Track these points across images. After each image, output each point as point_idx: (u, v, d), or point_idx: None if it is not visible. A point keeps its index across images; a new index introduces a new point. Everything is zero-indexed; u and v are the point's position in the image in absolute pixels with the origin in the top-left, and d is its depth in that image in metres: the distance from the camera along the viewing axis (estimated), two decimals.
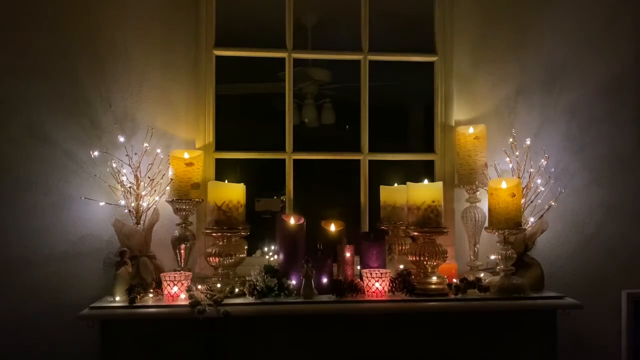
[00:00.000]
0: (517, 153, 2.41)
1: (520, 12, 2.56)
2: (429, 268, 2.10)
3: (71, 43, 2.32)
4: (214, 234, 2.12)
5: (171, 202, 2.21)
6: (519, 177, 2.33)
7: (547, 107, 2.55)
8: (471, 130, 2.38)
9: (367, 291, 2.06)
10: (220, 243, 2.12)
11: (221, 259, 2.09)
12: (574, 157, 2.55)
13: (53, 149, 2.30)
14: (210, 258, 2.11)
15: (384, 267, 2.18)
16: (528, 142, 2.43)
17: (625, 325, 2.51)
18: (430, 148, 2.58)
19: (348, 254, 2.16)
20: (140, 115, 2.37)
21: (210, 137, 2.42)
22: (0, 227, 2.26)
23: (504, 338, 2.06)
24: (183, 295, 2.00)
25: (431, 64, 2.57)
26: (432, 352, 2.04)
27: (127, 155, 2.25)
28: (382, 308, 2.01)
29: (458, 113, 2.54)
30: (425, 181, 2.19)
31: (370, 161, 2.52)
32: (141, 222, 2.21)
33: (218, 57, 2.44)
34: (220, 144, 2.44)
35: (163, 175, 2.29)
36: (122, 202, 2.23)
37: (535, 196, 2.39)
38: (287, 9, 2.48)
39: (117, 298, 2.00)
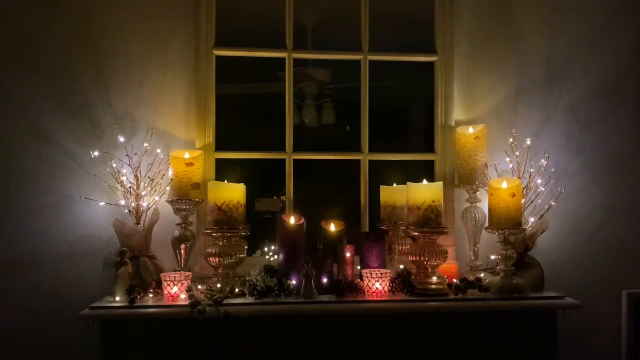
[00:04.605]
0: (517, 153, 2.41)
1: (520, 12, 2.56)
2: (429, 268, 2.10)
3: (71, 42, 2.32)
4: (214, 234, 2.12)
5: (171, 202, 2.21)
6: (519, 177, 2.33)
7: (547, 107, 2.56)
8: (471, 130, 2.38)
9: (367, 291, 2.06)
10: (220, 243, 2.12)
11: (221, 259, 2.09)
12: (574, 157, 2.55)
13: (53, 149, 2.30)
14: (210, 258, 2.11)
15: (384, 267, 2.18)
16: (528, 142, 2.43)
17: (625, 325, 2.51)
18: (430, 148, 2.58)
19: (348, 254, 2.16)
20: (140, 115, 2.37)
21: (210, 137, 2.42)
22: (0, 227, 2.26)
23: (504, 338, 2.06)
24: (183, 295, 2.00)
25: (431, 64, 2.57)
26: (432, 352, 2.04)
27: (127, 155, 2.26)
28: (382, 308, 2.01)
29: (458, 113, 2.54)
30: (425, 181, 2.19)
31: (370, 161, 2.52)
32: (141, 222, 2.21)
33: (218, 57, 2.44)
34: (220, 144, 2.44)
35: (163, 175, 2.29)
36: (122, 202, 2.24)
37: (535, 196, 2.39)
38: (287, 9, 2.48)
39: (117, 298, 2.00)
